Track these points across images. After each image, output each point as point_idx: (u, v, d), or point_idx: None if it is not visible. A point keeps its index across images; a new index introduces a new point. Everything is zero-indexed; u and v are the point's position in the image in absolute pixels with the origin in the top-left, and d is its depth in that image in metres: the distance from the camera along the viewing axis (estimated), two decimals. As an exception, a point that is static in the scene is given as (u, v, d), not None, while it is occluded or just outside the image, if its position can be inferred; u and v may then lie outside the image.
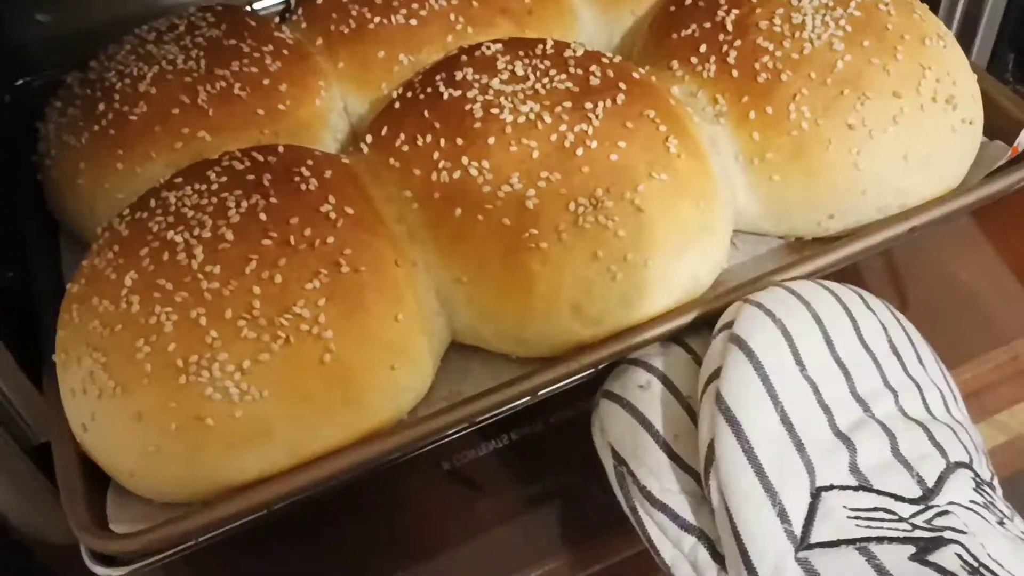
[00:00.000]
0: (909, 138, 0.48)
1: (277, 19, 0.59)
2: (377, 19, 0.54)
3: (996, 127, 0.53)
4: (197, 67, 0.51)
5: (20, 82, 0.62)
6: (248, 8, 0.58)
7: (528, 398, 0.44)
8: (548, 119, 0.45)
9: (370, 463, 0.42)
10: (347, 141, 0.54)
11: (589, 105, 0.46)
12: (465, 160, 0.45)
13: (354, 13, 0.54)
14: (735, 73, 0.49)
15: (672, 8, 0.53)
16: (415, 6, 0.54)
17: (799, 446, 0.38)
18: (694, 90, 0.50)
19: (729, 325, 0.41)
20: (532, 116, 0.45)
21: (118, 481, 0.43)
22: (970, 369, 0.49)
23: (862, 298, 0.43)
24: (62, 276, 0.52)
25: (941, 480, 0.38)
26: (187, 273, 0.41)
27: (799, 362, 0.39)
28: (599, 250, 0.44)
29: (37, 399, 0.46)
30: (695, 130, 0.48)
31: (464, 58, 0.49)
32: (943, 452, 0.39)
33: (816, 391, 0.39)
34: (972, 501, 0.38)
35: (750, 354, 0.39)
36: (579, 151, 0.44)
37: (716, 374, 0.39)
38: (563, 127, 0.45)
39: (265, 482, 0.41)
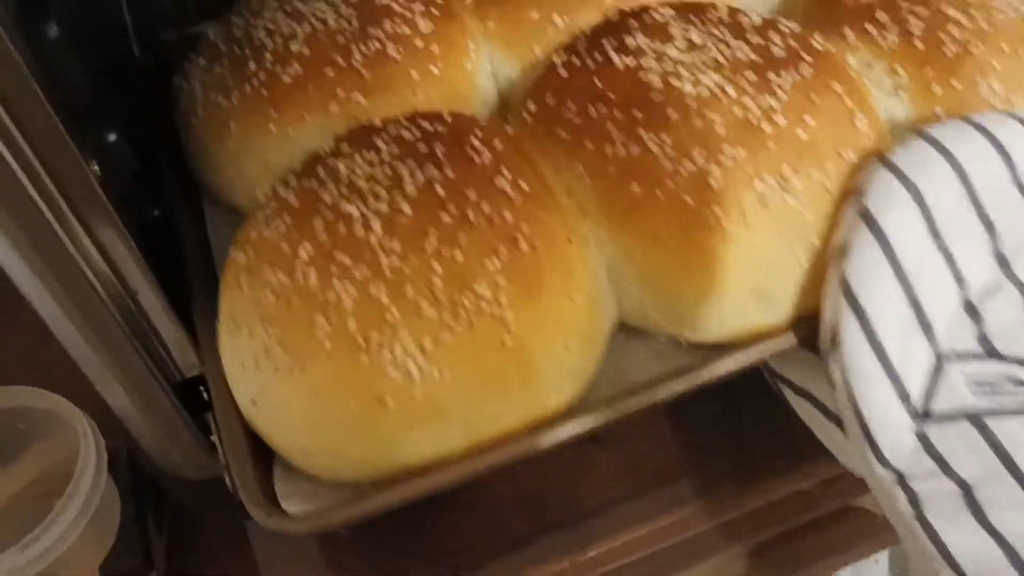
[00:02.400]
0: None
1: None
2: (530, -23, 0.51)
3: None
4: (349, 26, 0.50)
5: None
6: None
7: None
8: (732, 92, 0.43)
9: (545, 451, 0.41)
10: (496, 106, 0.52)
11: (774, 77, 0.43)
12: (643, 134, 0.43)
13: (506, -29, 0.52)
14: (918, 44, 0.46)
15: (844, -30, 0.50)
16: (571, -36, 0.51)
17: (926, 327, 0.37)
18: (871, 60, 0.47)
19: (859, 191, 0.39)
20: (715, 88, 0.43)
21: (287, 458, 0.42)
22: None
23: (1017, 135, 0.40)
24: (205, 225, 0.52)
25: None
26: (365, 247, 0.40)
27: (934, 232, 0.37)
28: (784, 231, 0.42)
29: (182, 335, 0.46)
30: (875, 104, 0.46)
31: (634, 23, 0.47)
32: None
33: (950, 262, 0.38)
34: None
35: (879, 234, 0.37)
36: (765, 126, 0.42)
37: (843, 251, 0.38)
38: (748, 100, 0.43)
39: (442, 466, 0.40)
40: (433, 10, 0.52)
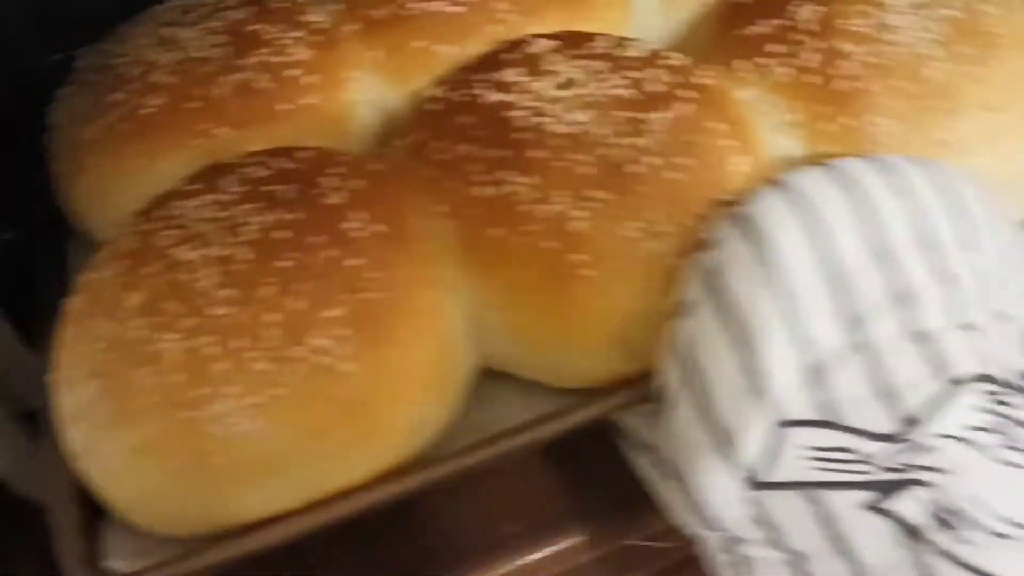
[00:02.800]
0: (1008, 156, 0.43)
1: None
2: (415, 5, 0.49)
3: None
4: (219, 55, 0.47)
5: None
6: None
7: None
8: (601, 131, 0.40)
9: (388, 501, 0.39)
10: (380, 137, 0.50)
11: (647, 116, 0.41)
12: (506, 174, 0.40)
13: (391, -4, 0.49)
14: (810, 78, 0.43)
15: (738, -1, 0.48)
16: (457, -9, 0.49)
17: (760, 392, 0.34)
18: (761, 95, 0.45)
19: (705, 246, 0.37)
20: (584, 127, 0.40)
21: (115, 513, 0.39)
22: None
23: (890, 178, 0.37)
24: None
25: (929, 408, 0.34)
26: (197, 296, 0.38)
27: (779, 292, 0.35)
28: (652, 280, 0.39)
29: (27, 365, 0.43)
30: (763, 141, 0.43)
31: (509, 56, 0.44)
32: (943, 370, 0.34)
33: (794, 326, 0.35)
34: (970, 426, 0.34)
35: (718, 290, 0.36)
36: (632, 168, 0.40)
37: (682, 307, 0.37)
38: (616, 140, 0.40)
39: (274, 521, 0.38)
40: (313, 38, 0.49)
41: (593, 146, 0.40)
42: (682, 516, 0.38)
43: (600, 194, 0.39)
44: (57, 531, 0.39)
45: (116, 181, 0.46)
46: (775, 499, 0.34)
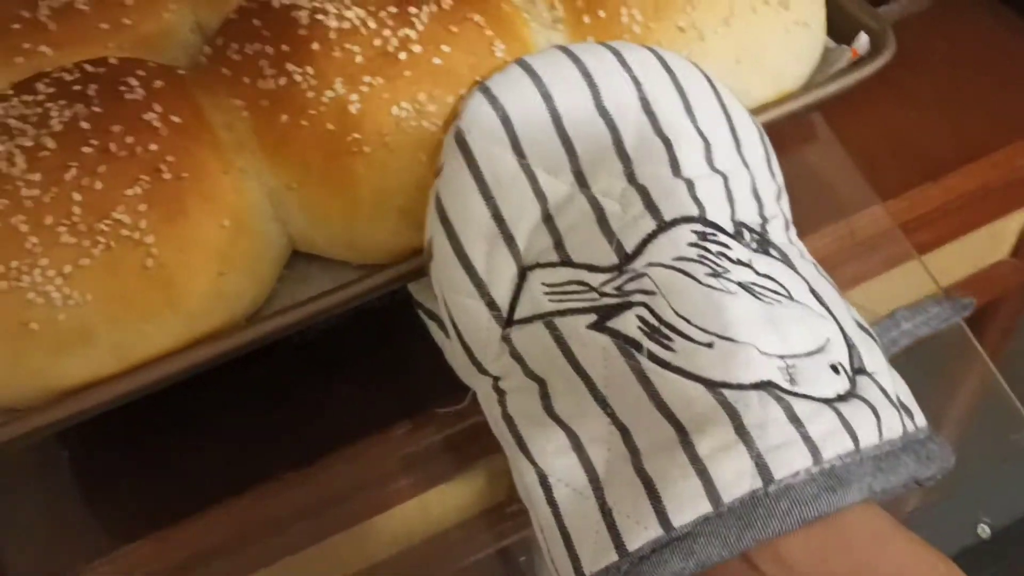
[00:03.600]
0: (741, 40, 0.49)
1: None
2: (224, -70, 0.53)
3: (844, 32, 0.54)
4: (40, -20, 0.51)
5: None
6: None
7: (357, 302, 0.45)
8: (372, 24, 0.45)
9: (197, 367, 0.44)
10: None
11: (413, 10, 0.46)
12: (290, 67, 0.45)
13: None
14: (538, -21, 0.49)
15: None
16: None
17: (508, 239, 0.40)
18: (530, -4, 0.50)
19: (457, 115, 0.42)
20: (357, 21, 0.45)
21: None
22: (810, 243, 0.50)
23: (617, 56, 0.43)
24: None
25: (645, 243, 0.38)
26: (7, 181, 0.42)
27: (518, 151, 0.40)
28: (423, 153, 0.44)
29: None
30: (530, 36, 0.49)
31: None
32: (656, 212, 0.39)
33: (532, 180, 0.40)
34: (680, 258, 0.38)
35: (467, 153, 0.40)
36: (402, 55, 0.45)
37: (439, 171, 0.41)
38: (387, 32, 0.45)
39: (91, 387, 0.42)
40: (132, -36, 0.53)
41: (365, 37, 0.45)
42: (460, 372, 0.43)
43: (372, 79, 0.44)
44: None
45: (-52, 99, 0.50)
46: (521, 332, 0.39)
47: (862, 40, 0.52)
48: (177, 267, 0.43)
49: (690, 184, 0.40)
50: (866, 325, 0.41)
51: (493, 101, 0.41)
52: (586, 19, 0.48)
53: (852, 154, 0.63)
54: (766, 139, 0.45)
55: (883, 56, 0.52)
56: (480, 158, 0.40)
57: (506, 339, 0.39)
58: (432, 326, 0.46)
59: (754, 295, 0.37)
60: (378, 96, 0.44)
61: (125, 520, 0.48)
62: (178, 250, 0.43)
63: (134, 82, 0.45)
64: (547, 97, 0.41)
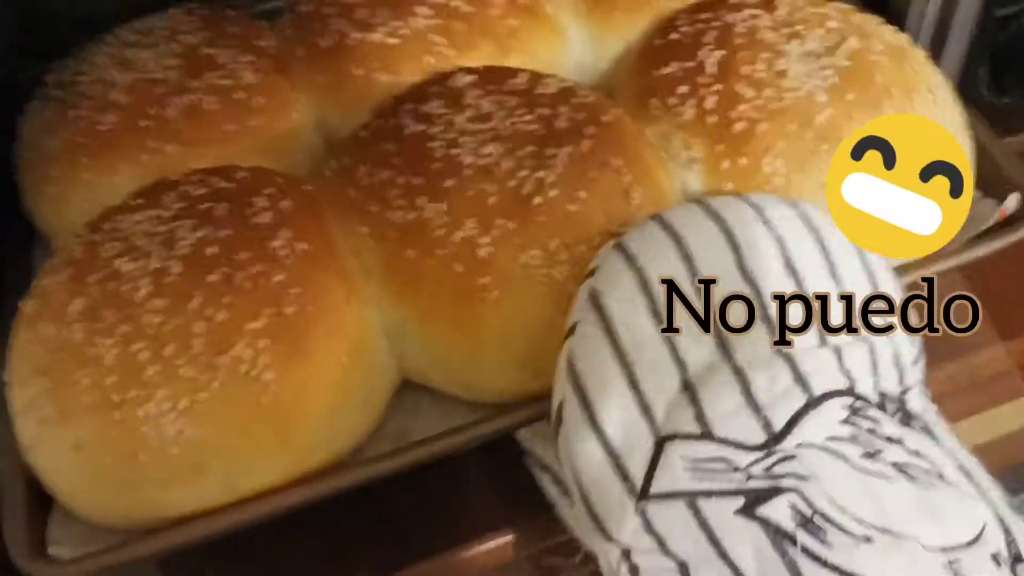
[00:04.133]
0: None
1: (266, 23, 0.57)
2: (356, 34, 0.53)
3: (992, 182, 0.51)
4: (172, 77, 0.51)
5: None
6: (229, 11, 0.57)
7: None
8: (509, 163, 0.44)
9: (304, 504, 0.43)
10: (322, 157, 0.53)
11: (552, 150, 0.44)
12: (421, 201, 0.44)
13: (334, 26, 0.53)
14: (711, 119, 0.47)
15: (657, 41, 0.52)
16: (395, 23, 0.52)
17: (644, 408, 0.37)
18: (669, 132, 0.48)
19: (592, 273, 0.40)
20: (492, 160, 0.44)
21: (61, 503, 0.43)
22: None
23: (759, 213, 0.41)
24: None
25: (794, 421, 0.36)
26: (131, 305, 0.41)
27: (656, 315, 0.38)
28: (550, 304, 0.43)
29: None
30: (665, 178, 0.47)
31: (434, 88, 0.48)
32: (805, 385, 0.37)
33: (671, 345, 0.38)
34: (832, 437, 0.37)
35: (602, 313, 0.39)
36: (536, 200, 0.43)
37: (571, 330, 0.39)
38: (523, 172, 0.44)
39: (199, 517, 0.42)
40: (263, 61, 0.53)
41: (500, 177, 0.44)
42: (580, 532, 0.41)
43: (505, 223, 0.43)
44: (7, 518, 0.42)
45: (73, 192, 0.50)
46: (660, 508, 0.37)
47: (1011, 201, 0.49)
48: (293, 406, 0.42)
49: (838, 353, 0.38)
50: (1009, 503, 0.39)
51: (630, 260, 0.39)
52: (726, 164, 0.47)
53: (976, 290, 0.60)
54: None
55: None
56: (616, 321, 0.38)
57: (641, 512, 0.37)
58: (545, 478, 0.44)
59: (909, 477, 0.35)
60: (509, 241, 0.43)
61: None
62: (296, 388, 0.42)
63: (262, 202, 0.44)
64: (687, 258, 0.39)
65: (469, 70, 0.49)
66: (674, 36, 0.51)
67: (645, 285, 0.39)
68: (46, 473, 0.42)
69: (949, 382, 0.57)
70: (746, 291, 0.39)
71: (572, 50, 0.56)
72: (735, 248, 0.39)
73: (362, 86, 0.52)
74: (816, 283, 0.40)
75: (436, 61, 0.52)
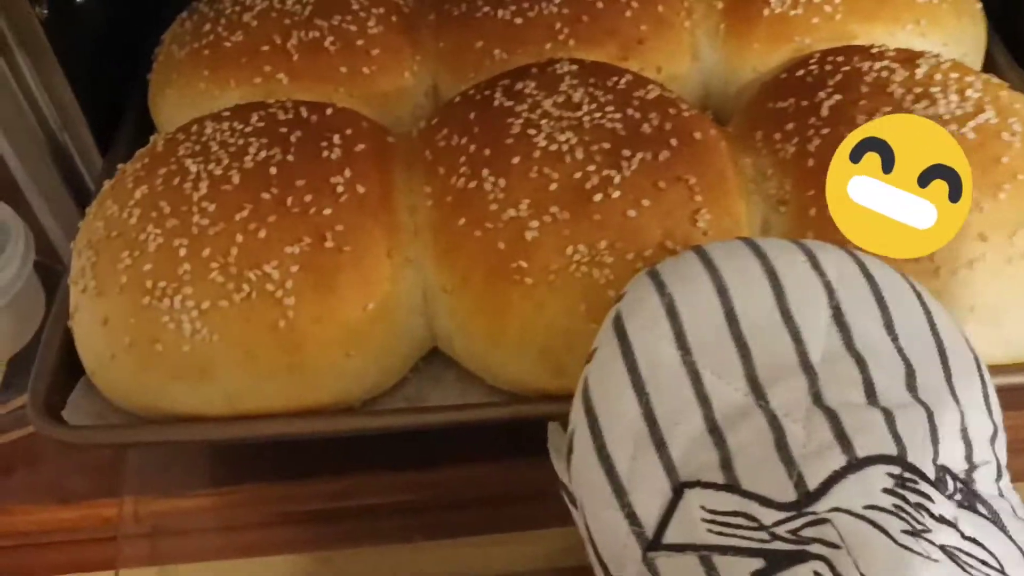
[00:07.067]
0: (982, 289, 0.42)
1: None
2: (485, 8, 0.53)
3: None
4: (301, 12, 0.53)
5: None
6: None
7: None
8: (580, 155, 0.43)
9: (299, 437, 0.43)
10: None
11: (627, 152, 0.43)
12: (484, 172, 0.43)
13: (470, -4, 0.53)
14: (810, 162, 0.44)
15: (783, 75, 0.49)
16: (525, 5, 0.52)
17: (659, 443, 0.34)
18: (765, 167, 0.46)
19: (622, 297, 0.37)
20: (566, 148, 0.43)
21: (87, 372, 0.45)
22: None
23: (809, 256, 0.37)
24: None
25: (831, 481, 0.33)
26: (186, 202, 0.43)
27: (683, 346, 0.35)
28: (583, 303, 0.41)
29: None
30: (745, 212, 0.44)
31: (534, 70, 0.47)
32: (848, 445, 0.33)
33: (696, 380, 0.35)
34: (872, 506, 0.32)
35: (624, 339, 0.36)
36: (597, 197, 0.42)
37: (592, 354, 0.37)
38: (592, 167, 0.43)
39: (193, 421, 0.43)
40: (392, 17, 0.54)
41: (567, 166, 0.43)
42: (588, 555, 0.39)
43: (559, 211, 0.42)
44: (35, 374, 0.44)
45: (188, 98, 0.53)
46: (671, 562, 0.33)
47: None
48: (308, 336, 0.42)
49: (888, 416, 0.34)
50: None
51: (660, 288, 0.36)
52: (813, 211, 0.43)
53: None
54: (985, 371, 0.38)
55: None
56: (637, 348, 0.35)
57: (650, 563, 0.33)
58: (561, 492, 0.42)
59: (958, 565, 0.31)
60: (558, 231, 0.42)
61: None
62: (314, 320, 0.42)
63: (337, 139, 0.45)
64: (722, 292, 0.36)
65: (575, 60, 0.48)
66: (800, 72, 0.48)
67: (673, 313, 0.36)
68: (79, 340, 0.45)
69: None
70: (785, 335, 0.36)
71: (703, 72, 0.54)
72: (777, 289, 0.36)
73: (478, 59, 0.53)
74: (869, 336, 0.36)
75: (555, 50, 0.52)
